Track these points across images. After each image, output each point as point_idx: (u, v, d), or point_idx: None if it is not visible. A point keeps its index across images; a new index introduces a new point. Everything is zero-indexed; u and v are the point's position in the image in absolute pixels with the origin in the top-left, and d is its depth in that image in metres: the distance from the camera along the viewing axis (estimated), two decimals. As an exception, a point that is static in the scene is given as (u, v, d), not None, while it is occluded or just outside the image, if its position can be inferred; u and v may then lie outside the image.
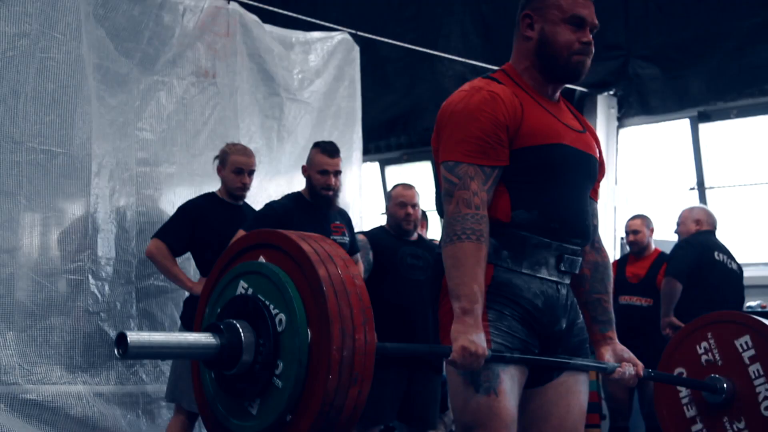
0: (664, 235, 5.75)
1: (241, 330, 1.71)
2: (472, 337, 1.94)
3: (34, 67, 3.81)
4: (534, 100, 2.13)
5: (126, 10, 4.28)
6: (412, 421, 4.26)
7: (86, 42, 4.00)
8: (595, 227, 2.27)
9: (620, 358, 2.21)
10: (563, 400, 2.15)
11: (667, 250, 5.32)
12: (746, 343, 2.54)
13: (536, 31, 2.13)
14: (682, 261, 4.79)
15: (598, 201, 2.34)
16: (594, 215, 2.26)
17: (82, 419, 3.91)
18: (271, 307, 1.72)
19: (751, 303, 5.22)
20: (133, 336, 1.62)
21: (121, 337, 1.61)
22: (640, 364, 2.21)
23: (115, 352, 1.62)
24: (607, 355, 2.22)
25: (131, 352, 1.61)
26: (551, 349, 2.13)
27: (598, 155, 2.26)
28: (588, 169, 2.20)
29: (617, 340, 2.25)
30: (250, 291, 1.77)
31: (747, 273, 5.22)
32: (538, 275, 2.10)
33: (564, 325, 2.15)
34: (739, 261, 5.00)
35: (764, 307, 5.21)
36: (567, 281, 2.18)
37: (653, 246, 5.34)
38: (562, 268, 2.13)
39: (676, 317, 4.72)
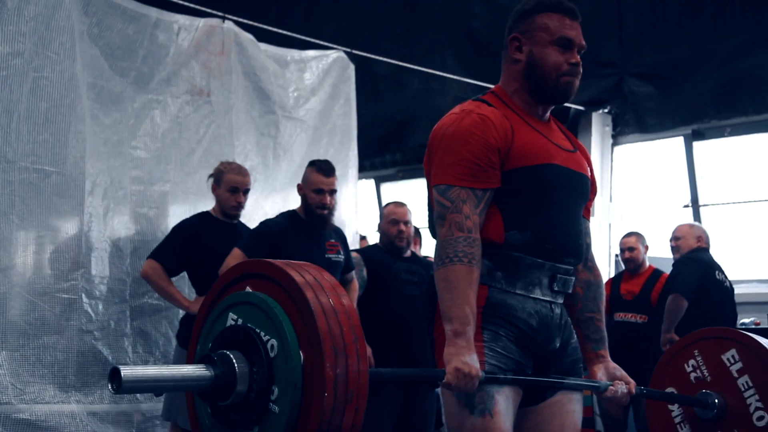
0: (659, 252, 5.76)
1: (234, 359, 1.71)
2: (465, 358, 1.94)
3: (27, 86, 3.82)
4: (524, 121, 2.14)
5: (120, 29, 4.29)
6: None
7: (80, 61, 4.01)
8: (588, 246, 2.28)
9: (612, 376, 2.22)
10: (557, 420, 2.15)
11: (662, 266, 5.33)
12: (733, 356, 2.57)
13: (525, 54, 2.15)
14: (689, 279, 4.78)
15: (593, 218, 2.35)
16: (586, 234, 2.27)
17: (75, 439, 3.90)
18: (262, 334, 1.72)
19: (744, 320, 5.24)
20: (127, 371, 1.61)
21: (115, 372, 1.60)
22: (632, 382, 2.22)
23: (109, 387, 1.62)
24: (600, 374, 2.22)
25: (125, 387, 1.60)
26: (545, 368, 2.13)
27: (589, 174, 2.27)
28: (580, 188, 2.21)
29: (610, 359, 2.26)
30: (239, 321, 1.77)
31: (741, 290, 5.23)
32: (532, 295, 2.11)
33: (558, 345, 2.15)
34: (732, 278, 5.02)
35: (758, 324, 5.22)
36: (560, 300, 2.19)
37: (647, 263, 5.35)
38: (555, 288, 2.14)
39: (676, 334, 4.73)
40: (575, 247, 2.17)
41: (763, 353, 2.52)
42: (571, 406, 2.18)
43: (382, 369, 1.89)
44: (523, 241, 2.08)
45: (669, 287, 4.86)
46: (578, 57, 2.15)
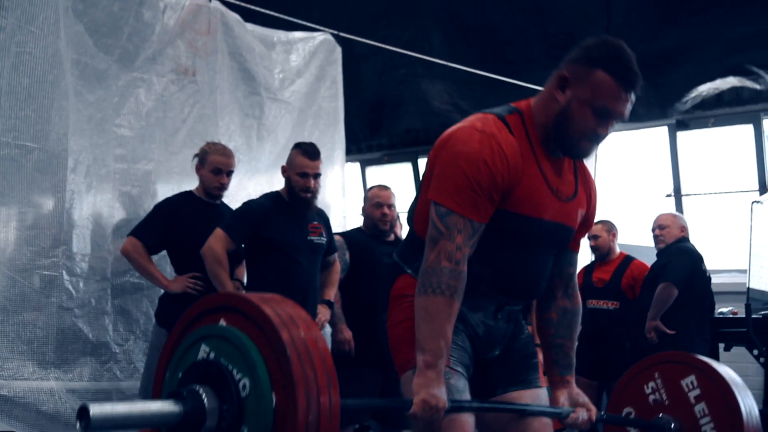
0: (641, 240, 5.80)
1: (204, 396, 1.70)
2: (434, 391, 1.96)
3: (9, 61, 3.78)
4: (536, 159, 2.09)
5: (105, 5, 4.25)
6: (387, 420, 4.28)
7: (64, 37, 3.98)
8: (571, 275, 2.29)
9: (575, 402, 2.25)
10: (519, 419, 2.20)
11: (643, 255, 5.37)
12: (692, 382, 2.59)
13: (564, 99, 2.05)
14: (681, 269, 4.83)
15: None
16: (571, 264, 2.29)
17: (54, 415, 3.88)
18: (234, 371, 1.70)
19: (722, 309, 5.29)
20: (96, 408, 1.58)
21: (83, 410, 1.58)
22: (594, 409, 2.26)
23: (77, 426, 1.59)
24: (563, 399, 2.26)
25: (94, 425, 1.58)
26: (483, 370, 2.20)
27: (581, 217, 2.23)
28: (558, 240, 2.20)
29: (574, 384, 2.30)
30: (212, 355, 1.75)
31: (719, 280, 5.28)
32: (476, 314, 2.17)
33: (498, 352, 2.23)
34: (711, 268, 5.08)
35: (735, 313, 5.28)
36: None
37: (618, 250, 5.41)
38: (499, 317, 2.20)
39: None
40: (533, 290, 2.21)
41: (721, 382, 2.54)
42: (536, 403, 2.24)
43: (350, 400, 1.89)
44: (482, 275, 2.09)
45: (657, 276, 4.89)
46: (610, 128, 2.06)
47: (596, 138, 2.06)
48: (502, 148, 2.01)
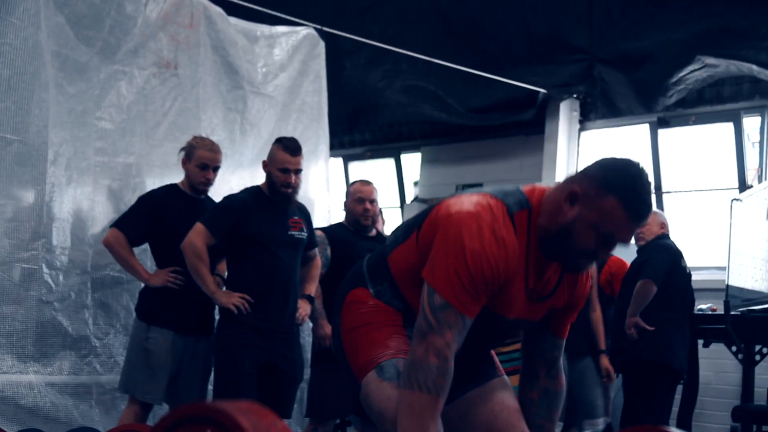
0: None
1: None
2: None
3: (-12, 52, 3.77)
4: (526, 263, 2.06)
5: (87, -3, 4.24)
6: (368, 414, 4.29)
7: (45, 28, 3.95)
8: (555, 358, 2.28)
9: None
10: (485, 409, 2.23)
11: (623, 252, 5.40)
12: None
13: (571, 214, 1.99)
14: (661, 265, 4.84)
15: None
16: (555, 348, 2.27)
17: (33, 409, 3.88)
18: None
19: (702, 306, 5.32)
20: None
21: None
22: None
23: None
24: None
25: None
26: None
27: (548, 310, 2.20)
28: (516, 330, 2.23)
29: None
30: None
31: (699, 277, 5.30)
32: None
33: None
34: (690, 265, 5.11)
35: (714, 310, 5.31)
36: None
37: None
38: None
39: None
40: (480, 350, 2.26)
41: None
42: (496, 395, 2.26)
43: None
44: None
45: (637, 272, 4.91)
46: (612, 250, 2.06)
47: (595, 258, 2.05)
48: (507, 254, 1.99)
